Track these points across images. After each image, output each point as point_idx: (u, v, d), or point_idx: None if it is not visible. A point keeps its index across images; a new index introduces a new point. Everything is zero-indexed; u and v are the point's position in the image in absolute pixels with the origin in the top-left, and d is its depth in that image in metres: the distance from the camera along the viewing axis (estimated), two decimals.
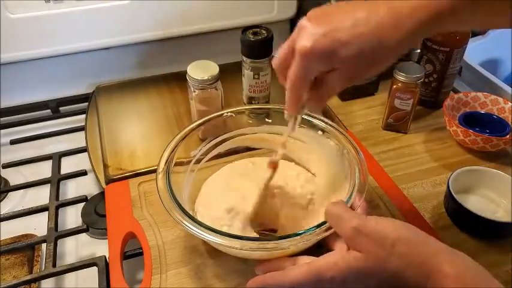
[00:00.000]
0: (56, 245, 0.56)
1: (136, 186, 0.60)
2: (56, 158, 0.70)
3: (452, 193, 0.56)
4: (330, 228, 0.43)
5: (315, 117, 0.56)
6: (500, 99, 0.71)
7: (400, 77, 0.67)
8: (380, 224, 0.39)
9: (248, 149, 0.62)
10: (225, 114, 0.58)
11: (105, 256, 0.53)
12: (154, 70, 0.86)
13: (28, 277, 0.52)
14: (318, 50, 0.37)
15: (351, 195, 0.46)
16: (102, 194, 0.62)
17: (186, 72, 0.62)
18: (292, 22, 0.91)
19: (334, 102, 0.81)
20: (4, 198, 0.67)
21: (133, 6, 0.78)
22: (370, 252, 0.38)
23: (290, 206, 0.53)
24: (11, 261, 0.57)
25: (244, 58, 0.64)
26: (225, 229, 0.48)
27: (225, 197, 0.53)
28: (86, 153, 0.69)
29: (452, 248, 0.38)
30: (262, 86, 0.66)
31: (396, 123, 0.72)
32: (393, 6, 0.37)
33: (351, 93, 0.81)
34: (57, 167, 0.68)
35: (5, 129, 0.78)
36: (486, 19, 0.39)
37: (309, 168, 0.59)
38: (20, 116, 0.81)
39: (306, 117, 0.55)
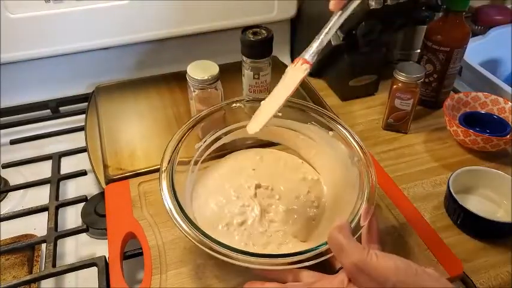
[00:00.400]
0: (55, 245, 0.56)
1: (136, 186, 0.60)
2: (56, 158, 0.70)
3: (453, 193, 0.56)
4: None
5: (334, 120, 0.55)
6: (501, 99, 0.71)
7: (400, 77, 0.67)
8: (382, 263, 0.38)
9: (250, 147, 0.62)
10: (234, 105, 0.58)
11: (105, 256, 0.53)
12: (154, 70, 0.86)
13: (28, 277, 0.52)
14: None
15: (357, 212, 0.46)
16: (102, 194, 0.62)
17: (186, 72, 0.62)
18: (292, 22, 0.91)
19: (334, 102, 0.81)
20: (4, 198, 0.67)
21: (133, 6, 0.78)
22: None
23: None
24: (11, 261, 0.57)
25: (244, 58, 0.64)
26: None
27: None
28: (85, 153, 0.69)
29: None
30: (262, 86, 0.66)
31: (396, 123, 0.72)
32: None
33: (351, 93, 0.81)
34: (57, 167, 0.68)
35: (5, 129, 0.78)
36: None
37: (314, 167, 0.59)
38: (20, 116, 0.81)
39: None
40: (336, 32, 0.47)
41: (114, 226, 0.54)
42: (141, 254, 0.52)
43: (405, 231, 0.53)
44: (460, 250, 0.53)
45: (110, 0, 0.76)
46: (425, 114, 0.77)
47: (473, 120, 0.69)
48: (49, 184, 0.65)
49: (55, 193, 0.63)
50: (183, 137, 0.53)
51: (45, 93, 0.83)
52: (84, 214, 0.62)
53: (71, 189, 0.68)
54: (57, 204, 0.62)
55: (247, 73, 0.65)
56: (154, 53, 0.86)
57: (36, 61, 0.79)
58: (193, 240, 0.43)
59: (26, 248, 0.58)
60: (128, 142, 0.68)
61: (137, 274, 0.54)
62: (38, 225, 0.62)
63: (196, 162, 0.56)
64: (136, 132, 0.71)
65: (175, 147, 0.51)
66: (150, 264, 0.50)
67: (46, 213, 0.60)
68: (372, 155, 0.67)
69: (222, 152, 0.60)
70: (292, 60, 0.47)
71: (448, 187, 0.57)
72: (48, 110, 0.82)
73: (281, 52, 0.92)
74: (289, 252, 0.43)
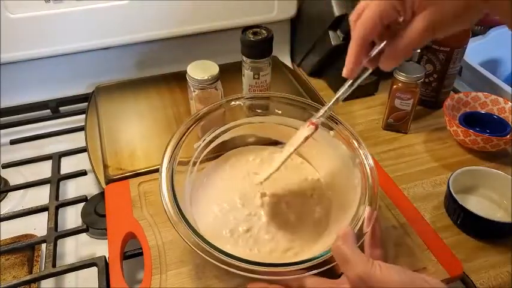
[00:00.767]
0: (55, 245, 0.56)
1: (136, 186, 0.60)
2: (56, 158, 0.70)
3: (453, 193, 0.56)
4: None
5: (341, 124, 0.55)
6: (501, 99, 0.71)
7: (400, 77, 0.67)
8: (386, 276, 0.38)
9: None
10: (233, 102, 0.58)
11: (105, 256, 0.53)
12: (154, 70, 0.86)
13: (28, 277, 0.52)
14: None
15: (360, 217, 0.45)
16: (102, 194, 0.62)
17: (186, 72, 0.62)
18: (292, 22, 0.91)
19: None
20: (4, 198, 0.67)
21: (133, 6, 0.78)
22: None
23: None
24: (11, 261, 0.57)
25: (244, 58, 0.64)
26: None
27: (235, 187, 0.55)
28: (85, 153, 0.69)
29: None
30: (262, 86, 0.66)
31: (396, 123, 0.72)
32: None
33: (350, 93, 0.81)
34: (57, 167, 0.68)
35: (5, 129, 0.78)
36: None
37: (314, 166, 0.59)
38: (19, 116, 0.81)
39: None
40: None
41: (114, 226, 0.54)
42: (141, 254, 0.52)
43: (405, 231, 0.53)
44: (460, 250, 0.53)
45: (110, 0, 0.76)
46: (425, 114, 0.77)
47: (473, 120, 0.69)
48: (49, 184, 0.65)
49: (55, 193, 0.64)
50: (182, 137, 0.53)
51: (45, 93, 0.83)
52: (84, 214, 0.62)
53: (71, 189, 0.68)
54: (57, 204, 0.62)
55: (247, 73, 0.65)
56: (154, 53, 0.87)
57: (36, 61, 0.79)
58: (201, 253, 0.43)
59: (26, 248, 0.58)
60: (127, 142, 0.68)
61: (137, 274, 0.54)
62: (38, 225, 0.62)
63: (195, 163, 0.55)
64: (136, 132, 0.71)
65: (176, 147, 0.51)
66: (150, 264, 0.49)
67: (46, 213, 0.60)
68: (371, 155, 0.67)
69: (222, 152, 0.60)
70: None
71: (448, 187, 0.57)
72: (48, 110, 0.82)
73: (281, 52, 0.92)
74: (293, 260, 0.43)
